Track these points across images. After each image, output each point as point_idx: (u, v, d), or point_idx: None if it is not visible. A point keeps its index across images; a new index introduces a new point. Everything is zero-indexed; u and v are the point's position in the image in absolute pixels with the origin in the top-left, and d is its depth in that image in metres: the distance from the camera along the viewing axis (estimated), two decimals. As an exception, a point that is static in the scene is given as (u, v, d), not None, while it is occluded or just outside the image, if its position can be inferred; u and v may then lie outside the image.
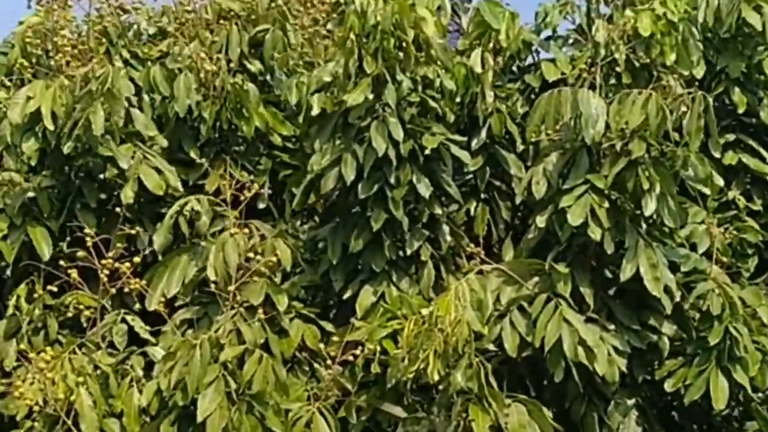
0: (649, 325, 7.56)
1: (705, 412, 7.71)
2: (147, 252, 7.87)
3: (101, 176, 8.07)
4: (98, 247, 7.57)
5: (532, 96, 8.42)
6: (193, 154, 8.44)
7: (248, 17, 8.87)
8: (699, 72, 8.26)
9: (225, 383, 6.92)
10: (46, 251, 7.86)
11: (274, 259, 7.53)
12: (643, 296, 7.53)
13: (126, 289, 7.61)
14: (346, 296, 7.80)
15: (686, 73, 7.79)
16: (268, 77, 8.95)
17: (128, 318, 7.46)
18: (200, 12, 8.86)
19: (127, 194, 7.86)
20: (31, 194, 8.02)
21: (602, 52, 7.62)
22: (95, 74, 7.84)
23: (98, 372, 7.21)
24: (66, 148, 7.77)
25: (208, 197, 7.93)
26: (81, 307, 7.64)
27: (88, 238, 7.47)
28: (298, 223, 8.66)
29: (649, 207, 7.25)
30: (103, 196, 8.15)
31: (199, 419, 6.80)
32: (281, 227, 8.12)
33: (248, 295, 7.49)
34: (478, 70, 7.99)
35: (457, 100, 8.04)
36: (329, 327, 7.71)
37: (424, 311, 7.05)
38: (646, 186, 7.20)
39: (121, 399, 7.15)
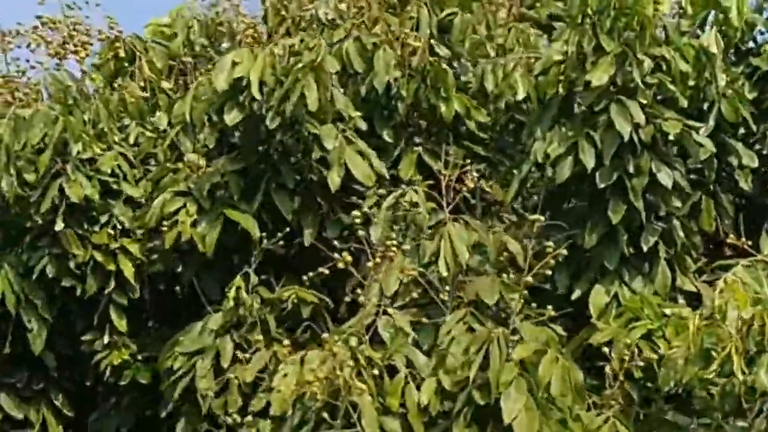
0: None
1: None
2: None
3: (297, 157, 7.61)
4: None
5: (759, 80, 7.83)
6: (386, 136, 7.86)
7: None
8: None
9: (527, 383, 6.29)
10: (257, 232, 7.41)
11: (516, 250, 6.89)
12: None
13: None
14: (574, 297, 7.16)
15: None
16: (455, 63, 8.36)
17: (390, 311, 6.81)
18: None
19: (334, 179, 7.36)
20: (215, 179, 7.53)
21: None
22: (307, 45, 7.33)
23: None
24: (271, 123, 7.31)
25: (423, 189, 7.29)
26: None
27: (357, 219, 6.98)
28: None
29: None
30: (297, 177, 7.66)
31: (506, 421, 6.19)
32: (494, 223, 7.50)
33: (481, 293, 6.83)
34: (714, 50, 7.35)
35: (690, 83, 7.41)
36: (558, 329, 7.01)
37: (682, 312, 6.47)
38: None
39: (396, 396, 6.49)
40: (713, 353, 5.93)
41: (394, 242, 6.96)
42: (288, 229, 7.47)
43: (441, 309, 6.97)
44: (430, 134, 8.03)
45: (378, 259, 6.88)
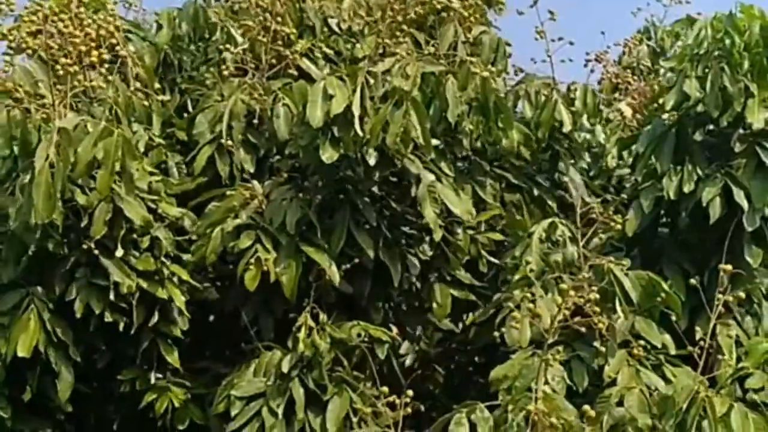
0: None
1: None
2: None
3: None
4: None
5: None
6: (446, 169, 7.45)
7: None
8: None
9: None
10: (337, 276, 7.02)
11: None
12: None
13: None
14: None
15: None
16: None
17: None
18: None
19: (431, 215, 7.02)
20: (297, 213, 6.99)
21: None
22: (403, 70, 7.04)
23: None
24: (370, 158, 6.95)
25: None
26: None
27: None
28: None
29: None
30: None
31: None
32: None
33: (643, 332, 6.67)
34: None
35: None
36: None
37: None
38: None
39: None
40: None
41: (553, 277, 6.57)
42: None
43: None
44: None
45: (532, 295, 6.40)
